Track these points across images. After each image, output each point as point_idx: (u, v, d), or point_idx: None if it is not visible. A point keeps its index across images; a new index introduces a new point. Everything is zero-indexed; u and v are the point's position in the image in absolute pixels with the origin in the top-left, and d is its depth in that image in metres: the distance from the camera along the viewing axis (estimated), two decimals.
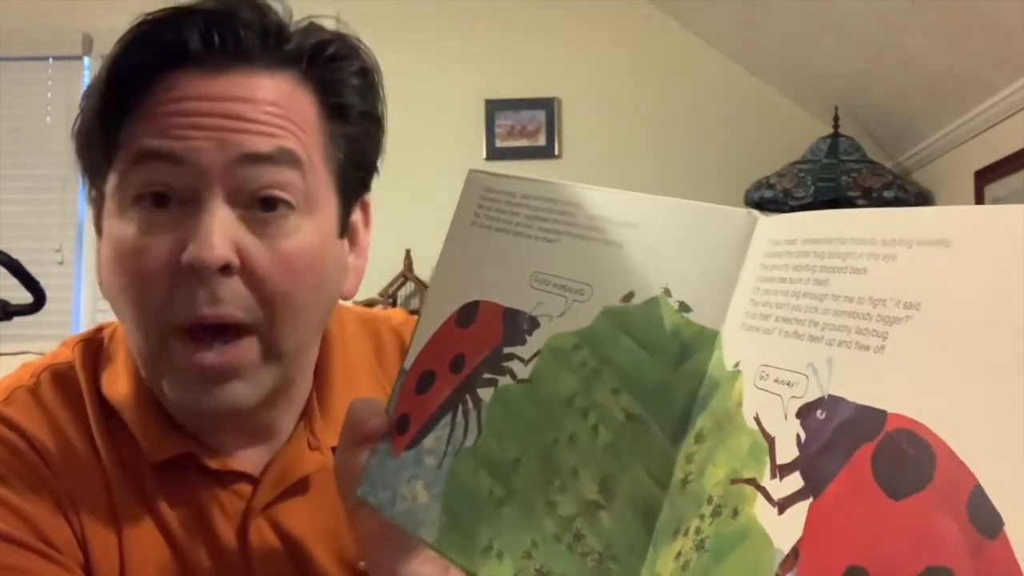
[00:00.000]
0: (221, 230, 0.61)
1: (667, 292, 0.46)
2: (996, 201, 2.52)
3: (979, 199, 2.59)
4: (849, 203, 2.81)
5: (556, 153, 3.38)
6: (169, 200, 0.63)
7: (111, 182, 0.65)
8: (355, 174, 0.71)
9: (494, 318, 0.53)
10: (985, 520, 0.32)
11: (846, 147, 2.92)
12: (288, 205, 0.64)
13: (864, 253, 0.39)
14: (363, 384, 0.76)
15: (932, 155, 2.93)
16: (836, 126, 2.98)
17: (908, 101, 2.83)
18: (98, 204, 0.69)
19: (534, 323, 0.51)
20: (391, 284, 3.24)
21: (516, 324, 0.52)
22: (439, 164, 3.35)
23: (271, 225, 0.63)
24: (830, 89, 3.06)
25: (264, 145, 0.63)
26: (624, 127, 3.36)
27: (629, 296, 0.47)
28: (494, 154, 3.37)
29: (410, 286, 3.27)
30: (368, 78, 0.71)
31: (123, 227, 0.63)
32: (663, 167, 3.28)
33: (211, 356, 0.62)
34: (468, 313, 0.55)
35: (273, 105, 0.64)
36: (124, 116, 0.64)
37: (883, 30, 2.56)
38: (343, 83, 0.69)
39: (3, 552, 0.62)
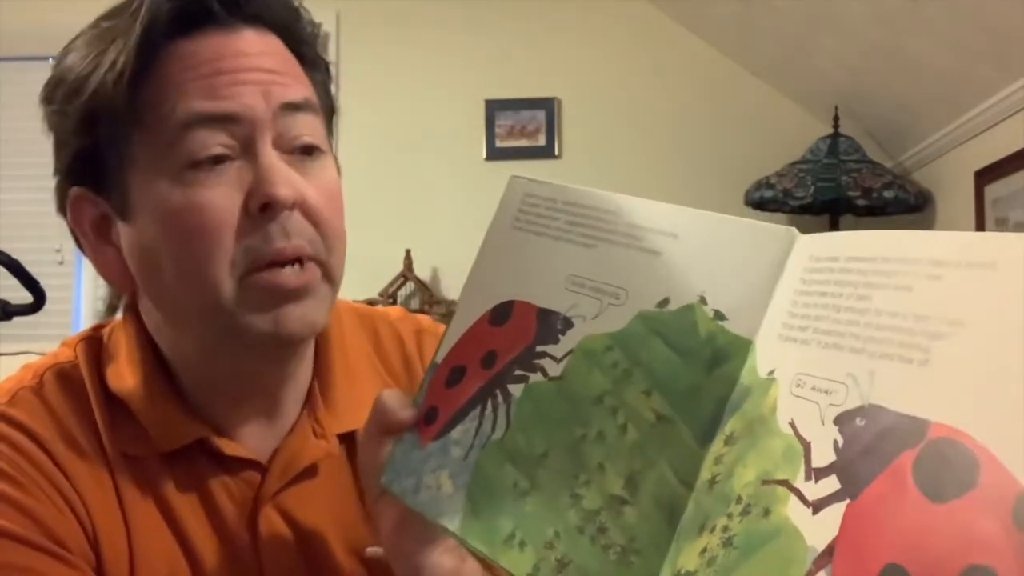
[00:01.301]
0: (284, 170, 0.66)
1: (703, 300, 0.47)
2: (996, 201, 2.52)
3: (979, 199, 2.59)
4: (849, 203, 2.82)
5: (556, 153, 3.39)
6: (225, 158, 0.66)
7: (143, 152, 0.66)
8: (330, 118, 0.76)
9: (528, 317, 0.55)
10: None
11: (846, 147, 2.93)
12: (319, 150, 0.70)
13: (910, 272, 0.41)
14: (363, 375, 0.78)
15: (932, 155, 2.93)
16: (836, 126, 2.99)
17: (908, 101, 2.83)
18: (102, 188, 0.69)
19: (568, 323, 0.53)
20: (391, 284, 3.24)
21: (550, 324, 0.54)
22: (439, 164, 3.35)
23: (311, 167, 0.69)
24: (830, 89, 3.07)
25: (297, 95, 0.68)
26: (624, 127, 3.36)
27: (664, 302, 0.49)
28: (494, 154, 3.37)
29: (410, 286, 3.28)
30: (316, 29, 0.75)
31: (178, 191, 0.65)
32: (663, 167, 3.29)
33: (292, 277, 0.66)
34: (502, 312, 0.57)
35: (284, 59, 0.69)
36: (146, 83, 0.65)
37: (883, 30, 2.56)
38: (307, 39, 0.73)
39: (14, 552, 0.63)
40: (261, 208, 0.65)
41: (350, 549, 0.72)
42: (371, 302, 3.21)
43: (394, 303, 3.22)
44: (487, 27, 3.41)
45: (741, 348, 0.45)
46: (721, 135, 3.31)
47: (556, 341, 0.53)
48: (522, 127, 3.39)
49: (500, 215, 0.60)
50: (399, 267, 3.25)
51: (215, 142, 0.65)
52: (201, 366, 0.71)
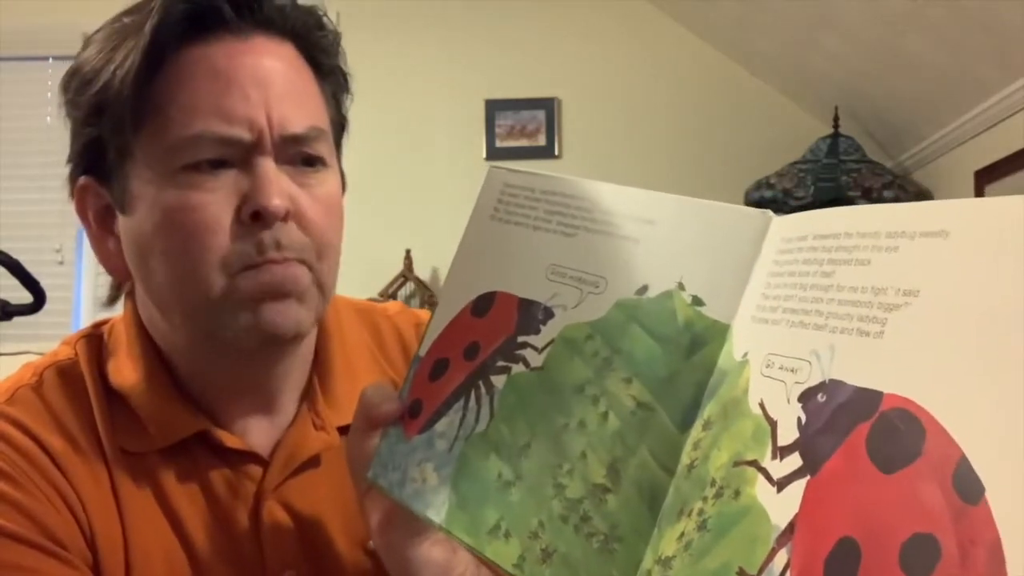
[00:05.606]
0: (278, 183, 0.67)
1: (681, 286, 0.47)
2: None
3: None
4: (849, 203, 2.81)
5: (556, 153, 3.39)
6: (224, 163, 0.66)
7: (143, 149, 0.67)
8: (339, 131, 0.76)
9: (509, 308, 0.55)
10: (968, 488, 0.34)
11: (846, 147, 2.93)
12: (322, 162, 0.70)
13: (869, 246, 0.41)
14: (363, 369, 0.78)
15: (932, 155, 2.93)
16: (836, 126, 2.99)
17: (908, 101, 2.83)
18: (98, 181, 0.70)
19: (548, 313, 0.53)
20: (391, 284, 3.24)
21: (531, 314, 0.54)
22: (439, 164, 3.35)
23: (312, 177, 0.70)
24: (830, 89, 3.07)
25: (302, 125, 0.68)
26: (624, 127, 3.36)
27: (643, 289, 0.49)
28: (494, 154, 3.37)
29: (410, 286, 3.28)
30: (337, 39, 0.75)
31: (175, 192, 0.66)
32: (663, 167, 3.28)
33: (278, 271, 0.67)
34: (484, 303, 0.57)
35: (295, 75, 0.70)
36: (154, 84, 0.66)
37: (883, 30, 2.56)
38: (325, 48, 0.73)
39: (12, 551, 0.63)
40: (253, 216, 0.65)
41: (353, 540, 0.73)
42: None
43: None
44: (487, 27, 3.41)
45: (718, 333, 0.45)
46: (721, 135, 3.31)
47: (537, 331, 0.53)
48: (522, 127, 3.39)
49: (480, 206, 0.60)
50: (399, 267, 3.25)
51: (213, 152, 0.66)
52: (194, 360, 0.72)
